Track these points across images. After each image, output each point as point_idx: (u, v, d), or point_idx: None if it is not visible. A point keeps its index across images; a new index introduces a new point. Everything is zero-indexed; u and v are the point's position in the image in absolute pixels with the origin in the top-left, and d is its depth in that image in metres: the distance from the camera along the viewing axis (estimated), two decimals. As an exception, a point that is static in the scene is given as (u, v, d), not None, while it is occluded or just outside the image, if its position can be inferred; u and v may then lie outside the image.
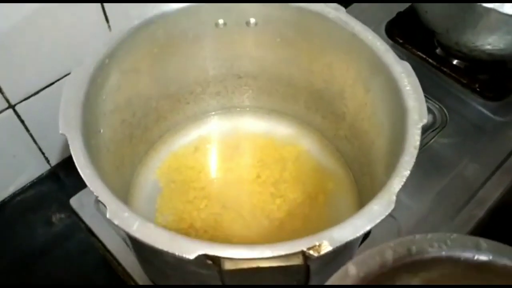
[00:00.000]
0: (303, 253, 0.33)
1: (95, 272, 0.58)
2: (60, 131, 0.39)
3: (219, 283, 0.34)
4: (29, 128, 0.59)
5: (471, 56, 0.64)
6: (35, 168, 0.65)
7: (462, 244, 0.30)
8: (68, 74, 0.56)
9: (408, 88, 0.41)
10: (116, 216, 0.35)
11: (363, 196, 0.54)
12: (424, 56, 0.68)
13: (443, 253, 0.30)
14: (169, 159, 0.58)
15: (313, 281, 0.35)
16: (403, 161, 0.37)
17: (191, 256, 0.33)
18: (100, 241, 0.54)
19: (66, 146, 0.65)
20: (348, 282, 0.29)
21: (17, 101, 0.55)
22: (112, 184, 0.39)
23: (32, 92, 0.57)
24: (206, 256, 0.33)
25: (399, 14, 0.73)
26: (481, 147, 0.62)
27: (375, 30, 0.46)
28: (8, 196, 0.64)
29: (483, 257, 0.30)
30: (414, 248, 0.30)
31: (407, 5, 0.73)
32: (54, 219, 0.63)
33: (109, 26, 0.58)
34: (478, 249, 0.30)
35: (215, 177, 0.57)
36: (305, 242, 0.33)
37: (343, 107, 0.53)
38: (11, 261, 0.59)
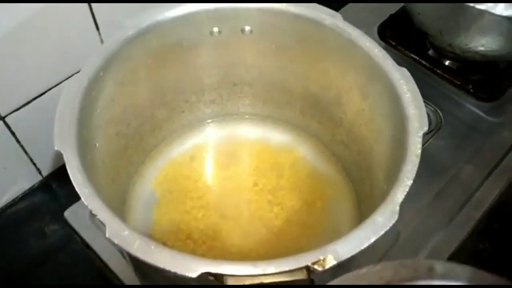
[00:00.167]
0: (307, 268, 0.33)
1: (90, 284, 0.58)
2: (56, 148, 0.38)
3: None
4: (20, 139, 0.59)
5: (464, 57, 0.64)
6: (27, 179, 0.64)
7: (414, 270, 0.28)
8: (59, 84, 0.57)
9: (407, 95, 0.41)
10: (116, 235, 0.34)
11: (362, 202, 0.53)
12: (417, 58, 0.68)
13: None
14: (165, 168, 0.57)
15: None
16: (405, 170, 0.37)
17: (194, 274, 0.32)
18: (96, 254, 0.54)
19: (57, 157, 0.65)
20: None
21: (7, 112, 0.55)
22: (108, 197, 0.38)
23: (23, 103, 0.56)
24: (208, 274, 0.33)
25: (391, 16, 0.73)
26: (476, 149, 0.62)
27: (368, 33, 0.46)
28: (0, 208, 0.63)
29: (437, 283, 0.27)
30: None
31: (399, 6, 0.73)
32: (47, 230, 0.62)
33: (99, 34, 0.58)
34: (431, 275, 0.28)
35: (212, 186, 0.56)
36: (309, 256, 0.33)
37: (340, 113, 0.52)
38: (4, 274, 0.58)
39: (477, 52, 0.61)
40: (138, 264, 0.44)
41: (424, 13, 0.64)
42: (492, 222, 0.58)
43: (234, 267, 0.33)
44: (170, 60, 0.50)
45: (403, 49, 0.69)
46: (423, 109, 0.40)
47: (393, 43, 0.70)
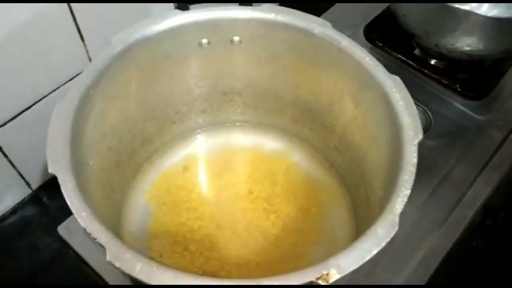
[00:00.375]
0: (311, 283, 0.33)
1: (87, 299, 0.57)
2: (49, 171, 0.38)
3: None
4: (7, 154, 0.57)
5: (451, 57, 0.64)
6: (16, 193, 0.63)
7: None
8: (45, 97, 0.56)
9: (400, 103, 0.41)
10: (117, 259, 0.34)
11: (357, 207, 0.54)
12: (404, 59, 0.68)
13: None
14: (158, 180, 0.57)
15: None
16: (402, 180, 0.37)
17: (199, 294, 0.32)
18: (92, 269, 0.53)
19: (47, 169, 0.63)
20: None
21: (-6, 128, 0.53)
22: (103, 214, 0.38)
23: (9, 118, 0.55)
24: (212, 292, 0.33)
25: (376, 17, 0.73)
26: (466, 147, 0.62)
27: (355, 34, 0.47)
28: (-11, 224, 0.61)
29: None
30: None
31: (384, 6, 0.73)
32: (39, 245, 0.61)
33: (84, 45, 0.57)
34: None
35: (206, 196, 0.56)
36: (313, 271, 0.33)
37: (332, 119, 0.52)
38: (-3, 291, 0.57)
39: (463, 52, 0.62)
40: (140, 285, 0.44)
41: (410, 15, 0.64)
42: (485, 219, 0.59)
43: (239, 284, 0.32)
44: (160, 72, 0.50)
45: (389, 50, 0.69)
46: (417, 118, 0.40)
47: (380, 44, 0.70)
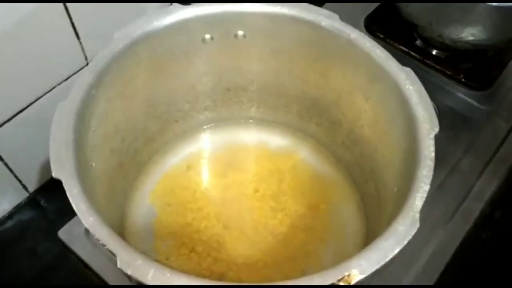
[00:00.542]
0: (332, 285, 0.32)
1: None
2: (54, 176, 0.36)
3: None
4: (3, 156, 0.56)
5: (455, 47, 0.63)
6: (13, 197, 0.61)
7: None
8: (40, 97, 0.55)
9: (414, 96, 0.40)
10: (128, 266, 0.32)
11: (366, 203, 0.53)
12: (407, 50, 0.67)
13: None
14: (162, 181, 0.55)
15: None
16: (420, 175, 0.36)
17: (215, 300, 0.31)
18: (95, 273, 0.52)
19: (44, 171, 0.62)
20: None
21: (-11, 130, 0.52)
22: (108, 217, 0.37)
23: (4, 119, 0.53)
24: (230, 297, 0.31)
25: (376, 8, 0.72)
26: (473, 138, 0.61)
27: (355, 27, 0.45)
28: (-14, 230, 0.60)
29: None
30: None
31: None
32: (39, 249, 0.59)
33: (80, 44, 0.55)
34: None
35: (211, 195, 0.55)
36: (334, 273, 0.32)
37: (339, 114, 0.51)
38: (-3, 300, 0.56)
39: (467, 42, 0.61)
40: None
41: (412, 5, 0.63)
42: (494, 211, 0.58)
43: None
44: (162, 70, 0.49)
45: (391, 42, 0.68)
46: (432, 110, 0.39)
47: (381, 36, 0.69)
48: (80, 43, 0.55)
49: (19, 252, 0.59)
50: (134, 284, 0.48)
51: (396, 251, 0.33)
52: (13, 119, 0.53)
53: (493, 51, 0.68)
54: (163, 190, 0.55)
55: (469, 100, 0.65)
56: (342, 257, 0.50)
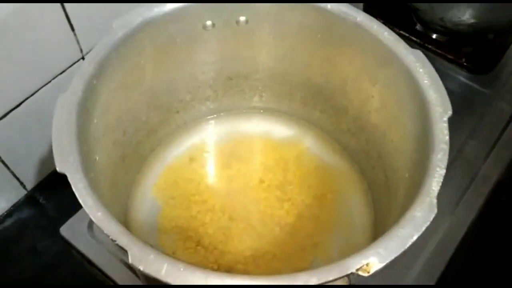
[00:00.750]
0: (351, 274, 0.31)
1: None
2: (58, 170, 0.35)
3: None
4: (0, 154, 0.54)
5: (456, 30, 0.63)
6: (11, 195, 0.60)
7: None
8: (36, 92, 0.53)
9: (426, 79, 0.39)
10: (140, 261, 0.31)
11: (373, 191, 0.52)
12: (407, 35, 0.67)
13: None
14: (164, 173, 0.54)
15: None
16: (436, 160, 0.35)
17: (232, 294, 0.30)
18: (99, 269, 0.50)
19: (41, 168, 0.61)
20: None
21: (-15, 128, 0.51)
22: (112, 211, 0.35)
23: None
24: (247, 289, 0.30)
25: (374, -8, 0.71)
26: (476, 123, 0.61)
27: None
28: (-16, 229, 0.59)
29: None
30: None
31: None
32: (39, 247, 0.58)
33: (75, 35, 0.54)
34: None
35: (216, 187, 0.54)
36: (352, 262, 0.31)
37: (345, 100, 0.50)
38: (-2, 299, 0.55)
39: (470, 24, 0.60)
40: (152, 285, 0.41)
41: (414, -13, 0.62)
42: (500, 196, 0.58)
43: (276, 280, 0.30)
44: (163, 58, 0.47)
45: (392, 26, 0.67)
46: (445, 93, 0.38)
47: (382, 21, 0.67)
48: (75, 35, 0.54)
49: (19, 250, 0.58)
50: (141, 281, 0.47)
51: (415, 238, 0.32)
52: (9, 115, 0.52)
53: (493, 34, 0.67)
54: (166, 183, 0.54)
55: (471, 83, 0.65)
56: (350, 247, 0.50)
